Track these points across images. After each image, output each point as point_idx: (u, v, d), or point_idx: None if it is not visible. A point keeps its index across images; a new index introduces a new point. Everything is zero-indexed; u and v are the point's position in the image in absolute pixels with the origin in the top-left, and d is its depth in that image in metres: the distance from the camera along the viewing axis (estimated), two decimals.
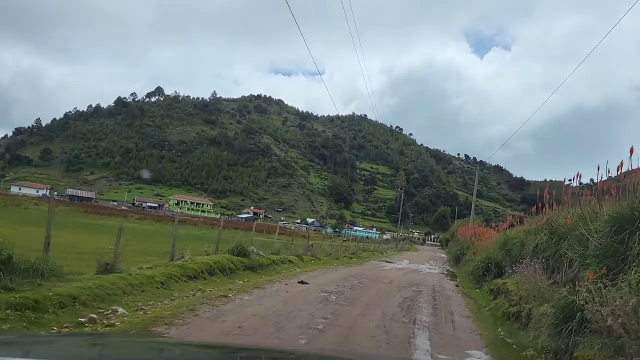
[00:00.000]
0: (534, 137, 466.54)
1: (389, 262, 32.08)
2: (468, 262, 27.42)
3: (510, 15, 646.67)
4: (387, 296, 12.59)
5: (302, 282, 13.07)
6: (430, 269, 29.37)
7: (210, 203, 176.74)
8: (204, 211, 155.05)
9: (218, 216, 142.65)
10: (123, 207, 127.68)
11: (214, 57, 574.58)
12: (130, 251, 14.12)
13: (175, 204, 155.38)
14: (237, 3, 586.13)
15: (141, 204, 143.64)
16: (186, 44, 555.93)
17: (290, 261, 19.09)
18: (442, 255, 61.00)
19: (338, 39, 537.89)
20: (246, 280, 12.66)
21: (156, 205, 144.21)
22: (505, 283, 13.98)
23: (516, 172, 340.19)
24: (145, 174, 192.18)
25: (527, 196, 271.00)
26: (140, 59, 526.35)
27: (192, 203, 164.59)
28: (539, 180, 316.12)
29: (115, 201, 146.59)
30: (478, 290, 17.23)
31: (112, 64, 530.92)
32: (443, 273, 26.43)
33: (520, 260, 14.45)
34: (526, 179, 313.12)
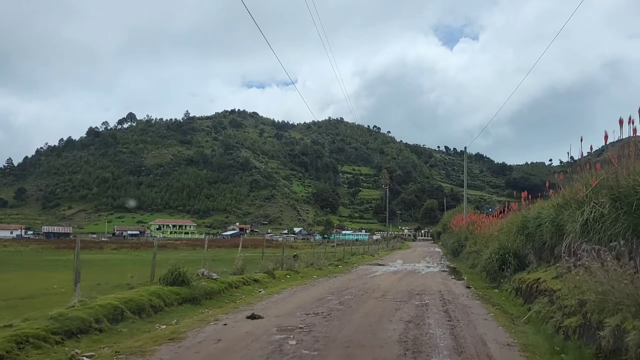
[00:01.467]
0: (512, 121, 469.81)
1: (380, 264, 28.32)
2: (470, 254, 23.92)
3: (477, 4, 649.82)
4: (380, 323, 8.63)
5: (252, 317, 9.01)
6: (429, 267, 25.65)
7: (193, 224, 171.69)
8: (187, 233, 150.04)
9: (202, 236, 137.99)
10: (103, 239, 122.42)
11: (186, 76, 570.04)
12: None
13: (157, 229, 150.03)
14: (204, 20, 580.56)
15: (122, 233, 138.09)
16: (156, 66, 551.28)
17: (256, 280, 15.11)
18: (437, 249, 57.39)
19: (309, 45, 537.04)
20: (172, 322, 8.71)
21: (137, 232, 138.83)
22: (539, 279, 10.19)
23: (497, 158, 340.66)
24: (131, 202, 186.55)
25: (511, 180, 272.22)
26: (111, 86, 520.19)
27: (174, 226, 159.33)
28: (520, 163, 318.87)
29: (94, 233, 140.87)
30: (497, 291, 13.55)
31: (83, 94, 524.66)
32: (444, 271, 22.78)
33: (554, 246, 10.69)
34: (508, 164, 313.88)
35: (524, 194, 14.45)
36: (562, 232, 10.02)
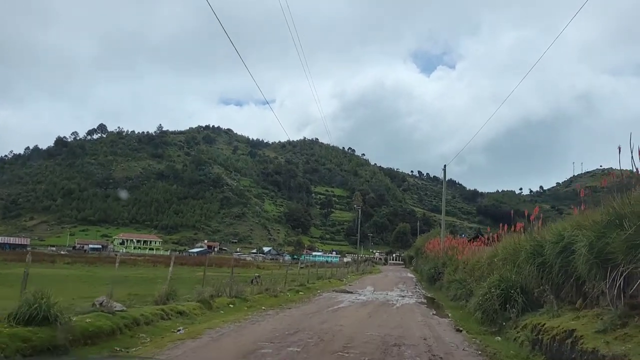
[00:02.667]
0: (487, 149, 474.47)
1: (348, 291, 25.01)
2: (451, 283, 20.65)
3: (456, 33, 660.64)
4: None
5: None
6: (403, 296, 22.42)
7: (159, 240, 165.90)
8: (152, 249, 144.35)
9: (168, 253, 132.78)
10: (62, 252, 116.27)
11: (162, 91, 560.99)
12: None
13: (120, 244, 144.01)
14: (183, 34, 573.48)
15: (82, 247, 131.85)
16: (132, 79, 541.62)
17: (181, 313, 11.46)
18: (409, 274, 54.12)
19: (289, 65, 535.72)
20: None
21: (99, 247, 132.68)
22: (575, 333, 6.87)
23: (469, 185, 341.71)
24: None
25: (482, 207, 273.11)
26: (84, 97, 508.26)
27: (138, 241, 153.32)
28: (492, 191, 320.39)
29: (54, 246, 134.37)
30: (499, 339, 10.13)
31: (55, 103, 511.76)
32: (422, 302, 19.53)
33: (585, 281, 7.44)
34: (479, 191, 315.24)
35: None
36: (606, 263, 6.78)
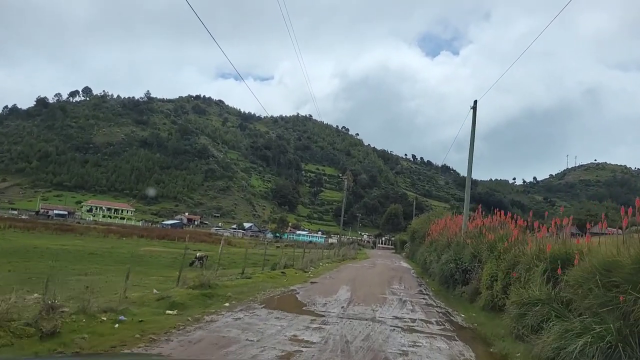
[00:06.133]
0: (487, 138, 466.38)
1: (295, 299, 14.99)
2: (515, 305, 10.15)
3: (467, 18, 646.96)
4: None
5: None
6: (410, 321, 12.23)
7: (132, 209, 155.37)
8: (122, 218, 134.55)
9: (140, 223, 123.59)
10: (22, 217, 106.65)
11: (158, 60, 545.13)
12: None
13: (88, 211, 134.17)
14: (182, 4, 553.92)
15: (47, 212, 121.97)
16: (127, 44, 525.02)
17: None
18: (404, 264, 44.69)
19: (290, 42, 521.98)
20: None
21: (65, 213, 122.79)
22: None
23: (464, 172, 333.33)
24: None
25: (477, 195, 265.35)
26: (77, 61, 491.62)
27: (108, 209, 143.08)
28: (486, 179, 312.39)
29: (16, 210, 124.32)
30: None
31: (47, 66, 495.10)
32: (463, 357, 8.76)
33: None
34: (474, 179, 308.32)
35: None
36: None
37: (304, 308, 13.07)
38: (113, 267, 24.93)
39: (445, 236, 23.36)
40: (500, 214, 17.09)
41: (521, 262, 10.58)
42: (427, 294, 19.27)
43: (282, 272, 21.14)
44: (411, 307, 14.94)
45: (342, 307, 13.70)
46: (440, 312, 14.48)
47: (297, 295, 15.67)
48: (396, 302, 15.88)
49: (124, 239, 61.69)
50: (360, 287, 19.83)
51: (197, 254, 29.57)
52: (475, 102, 21.35)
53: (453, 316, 13.92)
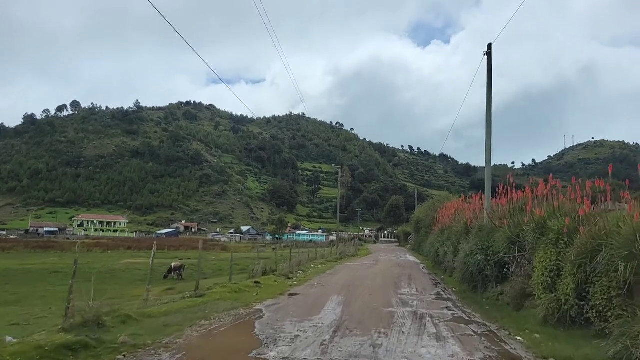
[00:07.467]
0: (482, 124, 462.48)
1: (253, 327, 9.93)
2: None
3: (457, 4, 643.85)
4: None
5: None
6: None
7: (125, 221, 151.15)
8: (115, 231, 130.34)
9: (134, 235, 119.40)
10: (11, 236, 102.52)
11: (147, 68, 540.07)
12: None
13: (79, 226, 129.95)
14: (170, 10, 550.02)
15: (37, 230, 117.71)
16: (116, 55, 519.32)
17: None
18: (410, 257, 40.31)
19: (282, 42, 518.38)
20: None
21: (56, 229, 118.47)
22: None
23: (462, 160, 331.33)
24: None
25: (476, 181, 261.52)
26: (65, 75, 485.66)
27: (100, 223, 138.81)
28: (484, 165, 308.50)
29: (4, 230, 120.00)
30: None
31: (33, 82, 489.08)
32: None
33: None
34: (472, 165, 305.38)
35: None
36: None
37: (250, 355, 7.58)
38: (66, 288, 20.74)
39: (460, 221, 19.26)
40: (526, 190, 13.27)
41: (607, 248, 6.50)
42: (449, 299, 14.83)
43: (256, 282, 16.70)
44: (434, 330, 9.88)
45: (323, 344, 8.45)
46: (484, 336, 9.40)
47: (256, 323, 10.34)
48: (409, 320, 11.02)
49: (109, 252, 57.59)
50: (357, 296, 15.10)
51: (172, 264, 25.53)
52: (490, 46, 17.22)
53: (506, 342, 8.87)
